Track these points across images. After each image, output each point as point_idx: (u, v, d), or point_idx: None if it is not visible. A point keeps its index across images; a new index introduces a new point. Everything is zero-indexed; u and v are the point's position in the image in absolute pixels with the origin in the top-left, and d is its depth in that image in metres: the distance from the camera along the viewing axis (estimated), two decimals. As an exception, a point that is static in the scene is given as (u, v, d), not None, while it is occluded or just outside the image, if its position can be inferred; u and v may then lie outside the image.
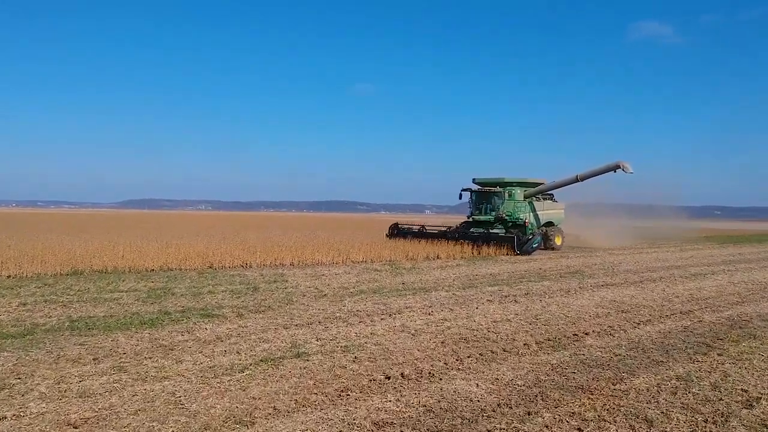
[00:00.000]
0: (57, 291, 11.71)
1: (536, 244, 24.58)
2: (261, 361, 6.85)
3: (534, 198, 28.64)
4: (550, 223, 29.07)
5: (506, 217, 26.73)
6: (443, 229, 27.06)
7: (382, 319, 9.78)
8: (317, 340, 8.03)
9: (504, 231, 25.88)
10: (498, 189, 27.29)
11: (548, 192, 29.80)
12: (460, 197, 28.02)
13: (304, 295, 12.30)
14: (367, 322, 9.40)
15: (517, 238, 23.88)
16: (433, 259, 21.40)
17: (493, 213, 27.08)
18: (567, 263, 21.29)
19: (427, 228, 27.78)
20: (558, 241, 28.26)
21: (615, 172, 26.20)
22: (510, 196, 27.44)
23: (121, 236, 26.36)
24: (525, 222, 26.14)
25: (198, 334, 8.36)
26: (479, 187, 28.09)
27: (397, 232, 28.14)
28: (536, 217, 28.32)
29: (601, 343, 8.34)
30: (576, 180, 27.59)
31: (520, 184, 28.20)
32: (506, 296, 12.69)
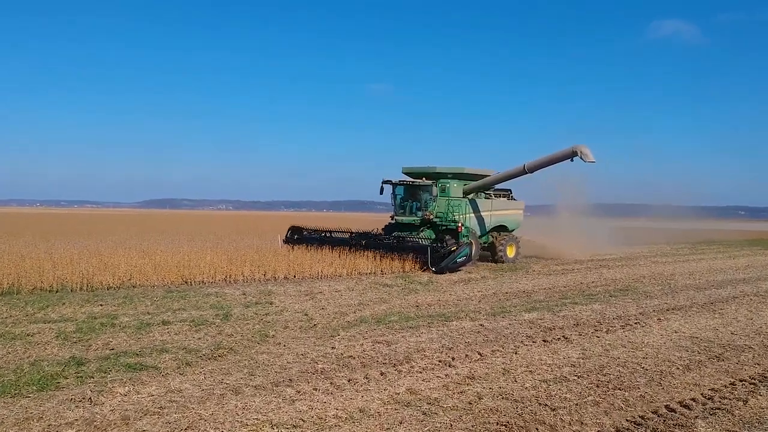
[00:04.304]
0: (-38, 321, 8.99)
1: (462, 258, 17.46)
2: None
3: (481, 194, 22.23)
4: (501, 228, 22.52)
5: (436, 219, 20.20)
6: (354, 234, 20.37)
7: (381, 373, 6.85)
8: (272, 427, 5.12)
9: (433, 237, 19.00)
10: (427, 182, 20.60)
11: (505, 188, 23.37)
12: (381, 192, 21.21)
13: (286, 327, 9.43)
14: (358, 383, 6.47)
15: (432, 250, 17.38)
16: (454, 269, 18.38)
17: (420, 213, 20.65)
18: (611, 276, 18.15)
19: (334, 233, 21.08)
20: (510, 251, 21.75)
21: (572, 160, 19.75)
22: (443, 191, 20.83)
23: (105, 241, 23.78)
24: (458, 226, 19.39)
25: (98, 409, 5.51)
26: (402, 180, 21.26)
27: (298, 237, 21.60)
28: (479, 219, 21.66)
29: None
30: (524, 171, 20.90)
31: (458, 176, 21.40)
32: (551, 330, 9.65)
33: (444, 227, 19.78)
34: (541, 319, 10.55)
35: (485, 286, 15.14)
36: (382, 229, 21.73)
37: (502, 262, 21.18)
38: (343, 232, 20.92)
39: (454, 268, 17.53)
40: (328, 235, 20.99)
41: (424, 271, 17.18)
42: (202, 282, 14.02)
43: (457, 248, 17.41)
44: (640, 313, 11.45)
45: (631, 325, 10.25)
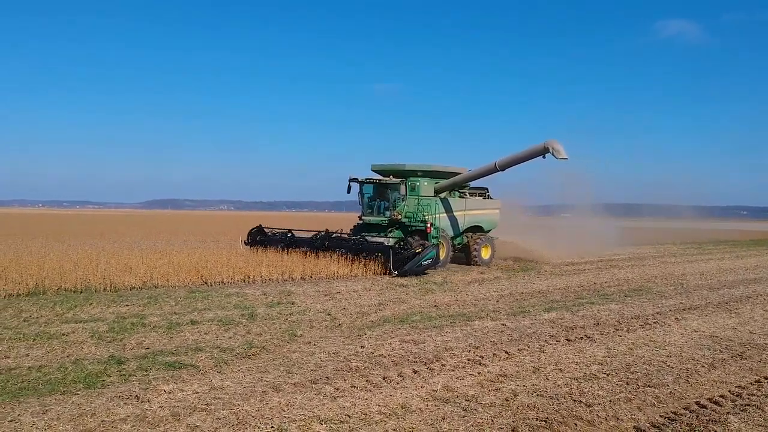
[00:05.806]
0: (-4, 321, 9.17)
1: (428, 261, 16.35)
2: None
3: (455, 193, 21.19)
4: (476, 228, 21.50)
5: (404, 220, 19.08)
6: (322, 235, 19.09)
7: (415, 371, 7.02)
8: (320, 422, 5.29)
9: (401, 239, 17.90)
10: (395, 180, 19.46)
11: (481, 186, 22.43)
12: (349, 190, 20.20)
13: (312, 327, 9.60)
14: (395, 381, 6.64)
15: (394, 251, 16.37)
16: (466, 270, 18.56)
17: (389, 213, 19.54)
18: (623, 276, 18.30)
19: (297, 234, 20.10)
20: (485, 253, 20.72)
21: (544, 157, 18.73)
22: (413, 189, 19.68)
23: (118, 242, 24.00)
24: (427, 226, 18.28)
25: (147, 406, 5.68)
26: (370, 178, 20.09)
27: (261, 238, 20.70)
28: (452, 219, 20.61)
29: (752, 429, 5.47)
30: (495, 169, 19.81)
31: (428, 174, 20.24)
32: (573, 329, 9.81)
33: (413, 228, 18.87)
34: (561, 319, 10.71)
35: (500, 286, 15.30)
36: (351, 229, 20.85)
37: (477, 264, 20.25)
38: (307, 232, 20.07)
39: (420, 272, 16.45)
40: (291, 235, 20.07)
41: (385, 274, 16.26)
42: (222, 282, 14.19)
43: (422, 250, 16.31)
44: (657, 313, 11.61)
45: (650, 324, 10.41)
